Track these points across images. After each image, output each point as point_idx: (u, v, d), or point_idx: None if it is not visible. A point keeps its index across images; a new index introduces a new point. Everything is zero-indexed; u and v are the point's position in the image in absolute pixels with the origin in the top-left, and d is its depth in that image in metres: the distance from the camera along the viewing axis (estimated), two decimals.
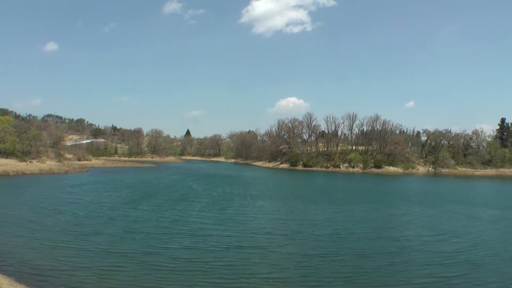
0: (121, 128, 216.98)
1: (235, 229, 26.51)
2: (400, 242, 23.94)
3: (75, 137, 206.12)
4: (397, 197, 49.83)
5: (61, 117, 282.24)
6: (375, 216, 33.58)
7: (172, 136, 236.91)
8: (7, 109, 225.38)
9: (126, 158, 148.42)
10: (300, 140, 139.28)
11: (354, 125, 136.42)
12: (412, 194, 54.29)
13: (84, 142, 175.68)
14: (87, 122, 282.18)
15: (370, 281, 16.71)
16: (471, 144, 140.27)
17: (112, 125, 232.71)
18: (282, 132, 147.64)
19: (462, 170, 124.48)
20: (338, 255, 20.50)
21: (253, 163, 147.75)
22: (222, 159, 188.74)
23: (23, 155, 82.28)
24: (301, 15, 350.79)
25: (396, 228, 28.61)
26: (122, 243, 21.50)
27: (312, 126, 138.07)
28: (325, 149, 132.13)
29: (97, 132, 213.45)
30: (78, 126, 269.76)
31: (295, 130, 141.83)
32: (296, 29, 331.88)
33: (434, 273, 18.07)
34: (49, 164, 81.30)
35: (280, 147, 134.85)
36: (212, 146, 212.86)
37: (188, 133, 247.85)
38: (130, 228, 25.37)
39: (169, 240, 22.63)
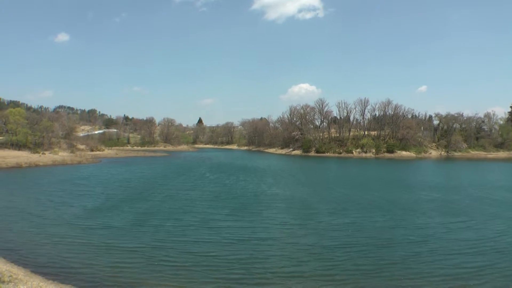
0: (133, 117, 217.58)
1: (250, 219, 25.70)
2: (423, 230, 22.86)
3: (87, 127, 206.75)
4: (415, 182, 48.44)
5: (72, 108, 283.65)
6: (394, 203, 32.36)
7: (184, 125, 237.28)
8: (19, 101, 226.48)
9: (139, 148, 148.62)
10: (312, 126, 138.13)
11: (366, 110, 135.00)
12: (430, 179, 52.77)
13: (96, 132, 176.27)
14: (99, 112, 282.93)
15: (395, 273, 15.77)
16: (483, 127, 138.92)
17: (124, 115, 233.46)
18: (294, 119, 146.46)
19: (475, 153, 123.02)
20: (359, 246, 19.54)
21: (266, 150, 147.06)
22: (234, 146, 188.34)
23: (36, 146, 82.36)
24: (314, 1, 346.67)
25: (417, 216, 27.33)
26: (131, 238, 20.79)
27: (324, 112, 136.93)
28: (338, 135, 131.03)
29: (109, 122, 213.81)
30: (90, 116, 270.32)
31: (307, 116, 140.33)
32: (308, 15, 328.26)
33: (460, 262, 17.19)
34: (61, 155, 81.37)
35: (293, 133, 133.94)
36: (225, 134, 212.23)
37: (200, 121, 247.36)
38: (139, 221, 24.70)
39: (180, 233, 21.86)
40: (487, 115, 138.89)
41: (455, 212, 28.69)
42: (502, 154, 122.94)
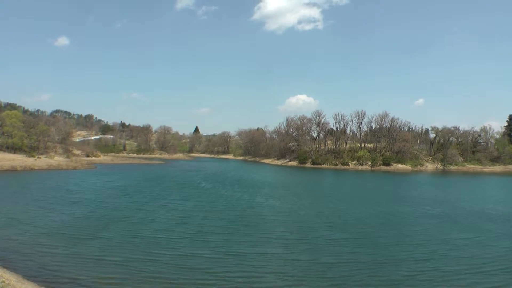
0: (129, 124, 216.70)
1: (246, 233, 24.79)
2: (427, 247, 22.05)
3: (83, 133, 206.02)
4: (413, 196, 47.49)
5: (69, 113, 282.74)
6: (395, 218, 31.62)
7: (180, 133, 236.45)
8: (15, 104, 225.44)
9: (135, 155, 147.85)
10: (308, 138, 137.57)
11: (363, 123, 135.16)
12: (428, 193, 51.70)
13: (92, 138, 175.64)
14: (96, 118, 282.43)
15: None
16: (479, 141, 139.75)
17: (121, 121, 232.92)
18: (291, 130, 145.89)
19: (471, 167, 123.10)
20: (361, 263, 18.68)
21: (262, 161, 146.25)
22: (230, 156, 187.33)
23: (31, 150, 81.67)
24: (314, 13, 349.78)
25: (419, 231, 26.51)
26: (119, 249, 19.82)
27: (321, 124, 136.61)
28: (334, 147, 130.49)
29: (105, 128, 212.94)
30: (87, 122, 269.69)
31: (303, 128, 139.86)
32: (308, 27, 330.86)
33: (468, 283, 16.38)
34: (57, 159, 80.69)
35: (289, 144, 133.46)
36: (221, 143, 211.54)
37: (196, 130, 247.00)
38: (129, 232, 23.73)
39: (173, 246, 20.87)
40: (484, 129, 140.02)
41: (458, 228, 27.96)
42: (498, 168, 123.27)
